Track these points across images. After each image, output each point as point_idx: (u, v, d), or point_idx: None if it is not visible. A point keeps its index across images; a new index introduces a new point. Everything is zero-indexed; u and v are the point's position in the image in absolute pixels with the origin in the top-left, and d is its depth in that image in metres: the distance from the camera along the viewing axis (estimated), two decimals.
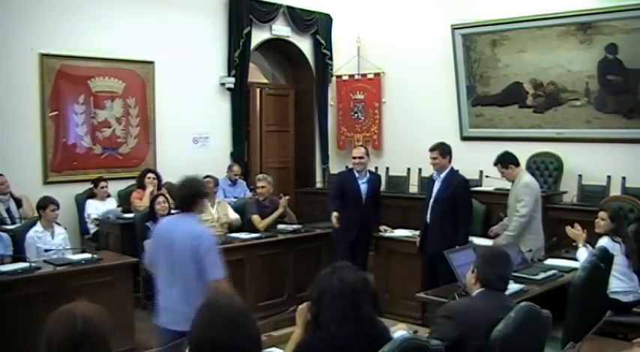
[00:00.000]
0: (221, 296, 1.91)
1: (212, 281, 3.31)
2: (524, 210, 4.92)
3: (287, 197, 6.26)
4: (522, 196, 4.96)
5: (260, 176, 6.50)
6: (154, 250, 3.57)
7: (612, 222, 4.45)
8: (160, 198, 5.82)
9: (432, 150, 5.19)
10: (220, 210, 6.23)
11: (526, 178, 5.11)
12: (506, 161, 5.13)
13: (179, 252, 3.38)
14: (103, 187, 6.53)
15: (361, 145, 6.65)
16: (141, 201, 6.47)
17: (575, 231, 4.56)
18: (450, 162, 5.16)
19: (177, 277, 3.39)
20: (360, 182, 5.66)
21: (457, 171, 5.20)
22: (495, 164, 5.20)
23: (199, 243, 3.36)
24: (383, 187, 8.06)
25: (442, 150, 5.15)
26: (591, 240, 4.52)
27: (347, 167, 5.78)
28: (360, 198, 5.62)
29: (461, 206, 5.04)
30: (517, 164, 5.16)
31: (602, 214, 4.52)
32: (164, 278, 3.48)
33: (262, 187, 6.21)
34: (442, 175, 5.13)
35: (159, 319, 3.48)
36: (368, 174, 5.76)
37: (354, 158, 5.73)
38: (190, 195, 3.52)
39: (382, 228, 5.81)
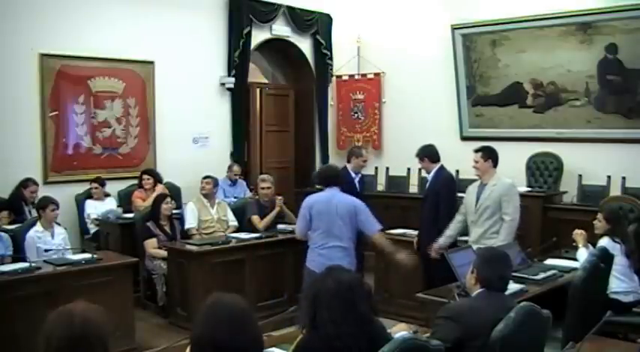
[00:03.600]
0: (225, 296, 1.90)
1: (374, 234, 4.53)
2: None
3: (280, 197, 6.27)
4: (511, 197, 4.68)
5: (265, 176, 6.45)
6: (310, 219, 4.50)
7: (607, 223, 4.44)
8: (167, 199, 5.91)
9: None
10: (220, 211, 6.23)
11: (506, 178, 4.79)
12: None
13: (340, 215, 4.42)
14: (95, 188, 6.50)
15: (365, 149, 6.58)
16: (144, 202, 6.46)
17: (577, 232, 4.55)
18: (433, 162, 5.12)
19: (336, 235, 4.43)
20: (353, 175, 5.72)
21: (444, 169, 5.16)
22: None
23: (356, 208, 4.46)
24: (383, 187, 8.18)
25: (421, 155, 5.17)
26: (593, 241, 4.51)
27: (346, 167, 5.81)
28: (355, 189, 5.64)
29: (441, 205, 5.00)
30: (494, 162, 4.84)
31: (599, 215, 4.52)
32: (323, 237, 4.47)
33: (267, 188, 6.19)
34: (430, 175, 5.17)
35: (312, 264, 4.45)
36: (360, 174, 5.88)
37: (365, 161, 5.87)
38: (334, 175, 4.72)
39: None
